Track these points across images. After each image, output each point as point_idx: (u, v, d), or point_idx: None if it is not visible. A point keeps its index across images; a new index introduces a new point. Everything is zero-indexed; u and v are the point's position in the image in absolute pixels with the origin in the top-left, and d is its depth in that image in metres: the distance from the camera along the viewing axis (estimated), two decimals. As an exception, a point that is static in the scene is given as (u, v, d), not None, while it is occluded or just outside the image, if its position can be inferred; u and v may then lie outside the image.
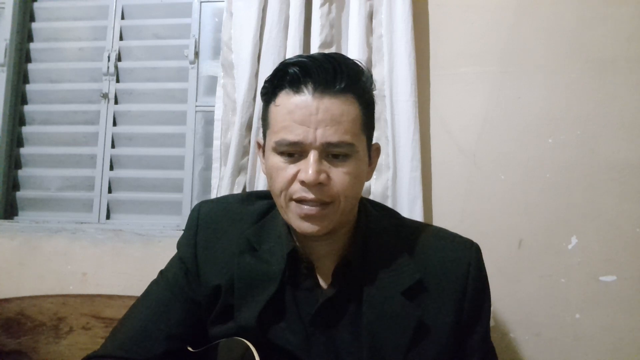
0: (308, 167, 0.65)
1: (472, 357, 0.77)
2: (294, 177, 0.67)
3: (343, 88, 0.67)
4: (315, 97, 0.66)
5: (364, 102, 0.70)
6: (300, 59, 0.69)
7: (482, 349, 0.78)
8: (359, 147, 0.69)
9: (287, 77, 0.68)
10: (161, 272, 0.85)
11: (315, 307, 0.74)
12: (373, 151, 0.77)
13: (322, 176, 0.66)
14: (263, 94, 0.73)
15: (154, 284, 0.84)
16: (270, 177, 0.71)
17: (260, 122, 0.78)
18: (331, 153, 0.67)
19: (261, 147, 0.77)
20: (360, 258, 0.75)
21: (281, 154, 0.68)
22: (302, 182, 0.66)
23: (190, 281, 0.80)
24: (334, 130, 0.65)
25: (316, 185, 0.66)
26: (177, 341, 0.79)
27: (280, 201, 0.71)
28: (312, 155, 0.66)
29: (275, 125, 0.69)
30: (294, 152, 0.67)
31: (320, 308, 0.74)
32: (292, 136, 0.66)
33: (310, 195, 0.66)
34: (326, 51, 1.28)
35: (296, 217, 0.69)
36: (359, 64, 0.72)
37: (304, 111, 0.66)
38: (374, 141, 0.77)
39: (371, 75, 0.74)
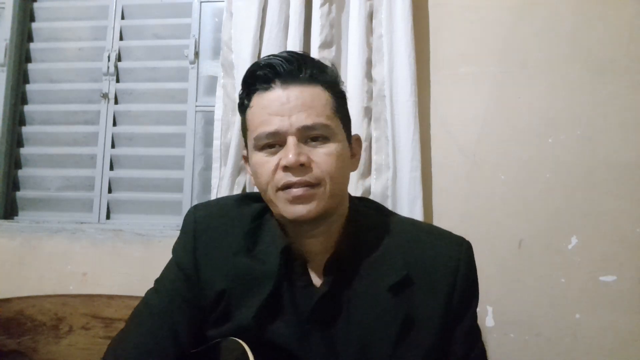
0: (288, 152, 0.68)
1: (454, 348, 0.76)
2: (276, 167, 0.69)
3: (309, 77, 0.71)
4: (284, 89, 0.70)
5: (333, 92, 0.74)
6: (266, 60, 0.73)
7: (466, 342, 0.77)
8: (335, 129, 0.71)
9: (256, 79, 0.72)
10: (157, 282, 0.83)
11: (311, 304, 0.74)
12: (354, 142, 0.79)
13: (303, 157, 0.68)
14: (239, 105, 0.77)
15: (152, 294, 0.81)
16: (255, 175, 0.73)
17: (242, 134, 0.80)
18: (309, 137, 0.69)
19: (246, 158, 0.78)
20: (350, 253, 0.76)
21: (262, 149, 0.71)
22: (285, 168, 0.68)
23: (191, 287, 0.79)
24: (307, 114, 0.69)
25: (299, 167, 0.67)
26: (185, 348, 0.78)
27: (268, 195, 0.72)
28: (290, 141, 0.68)
29: (253, 124, 0.72)
30: (273, 143, 0.70)
31: (315, 305, 0.74)
32: (269, 127, 0.69)
33: (294, 179, 0.68)
34: (326, 51, 1.28)
35: (285, 203, 0.70)
36: (325, 62, 0.77)
37: (276, 103, 0.70)
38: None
39: (336, 71, 0.77)
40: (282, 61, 0.71)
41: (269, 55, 0.74)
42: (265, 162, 0.70)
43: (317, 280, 0.77)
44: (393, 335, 0.72)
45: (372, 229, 0.79)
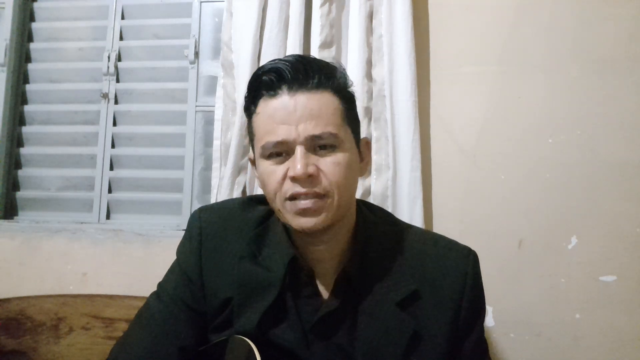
0: (296, 163, 0.66)
1: None
2: (284, 176, 0.68)
3: (317, 84, 0.69)
4: (292, 96, 0.68)
5: (342, 96, 0.72)
6: (272, 64, 0.70)
7: (474, 355, 0.77)
8: (343, 137, 0.70)
9: (262, 84, 0.70)
10: (160, 286, 0.82)
11: (317, 316, 0.74)
12: (363, 146, 0.77)
13: (311, 168, 0.67)
14: (245, 109, 0.75)
15: (155, 299, 0.81)
16: (263, 183, 0.72)
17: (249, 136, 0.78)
18: (317, 145, 0.68)
19: (253, 161, 0.77)
20: (359, 268, 0.75)
21: (269, 157, 0.69)
22: (293, 178, 0.67)
23: (194, 294, 0.79)
24: (314, 123, 0.67)
25: (307, 178, 0.66)
26: (189, 352, 0.77)
27: (276, 204, 0.71)
28: (299, 150, 0.67)
29: (259, 132, 0.71)
30: (281, 151, 0.68)
31: (321, 318, 0.74)
32: (276, 137, 0.67)
33: (302, 190, 0.67)
34: (326, 51, 1.28)
35: (293, 215, 0.69)
36: (334, 63, 0.74)
37: (282, 112, 0.68)
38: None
39: (345, 73, 0.75)
40: (288, 66, 0.69)
41: (275, 59, 0.72)
42: (273, 171, 0.69)
43: (323, 291, 0.77)
44: (400, 350, 0.71)
45: (380, 241, 0.78)
